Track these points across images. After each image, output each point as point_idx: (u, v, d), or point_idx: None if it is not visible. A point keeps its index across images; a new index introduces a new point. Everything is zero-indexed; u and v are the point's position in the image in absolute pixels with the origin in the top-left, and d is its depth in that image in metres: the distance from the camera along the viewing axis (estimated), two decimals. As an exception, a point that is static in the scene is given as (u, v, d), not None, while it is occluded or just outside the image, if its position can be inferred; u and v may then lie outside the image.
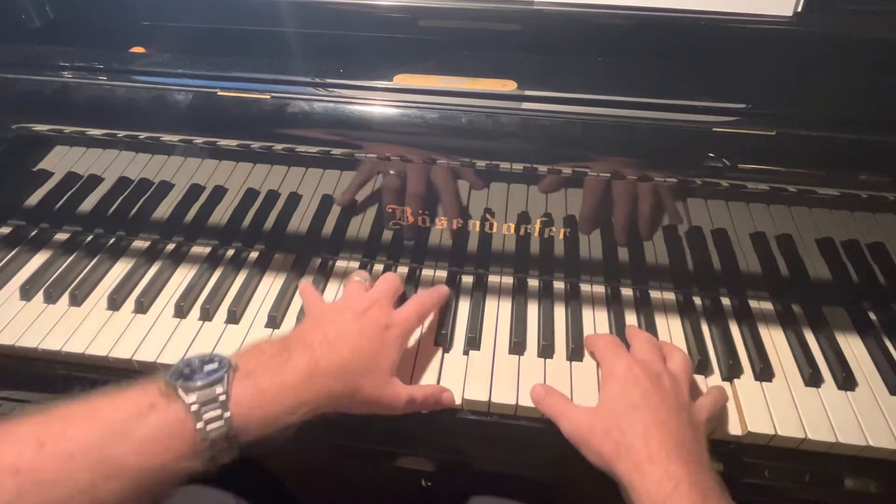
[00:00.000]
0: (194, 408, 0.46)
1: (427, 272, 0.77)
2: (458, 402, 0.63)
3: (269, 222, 0.76)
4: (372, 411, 0.58)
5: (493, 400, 0.62)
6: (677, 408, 0.55)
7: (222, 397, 0.48)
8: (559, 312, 0.72)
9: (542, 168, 0.64)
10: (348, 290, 0.66)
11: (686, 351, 0.68)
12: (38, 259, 0.78)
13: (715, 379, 0.65)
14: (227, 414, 0.47)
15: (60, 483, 0.42)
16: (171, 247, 0.80)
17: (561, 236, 0.70)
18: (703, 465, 0.51)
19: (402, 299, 0.70)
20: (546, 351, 0.67)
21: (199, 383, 0.48)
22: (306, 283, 0.72)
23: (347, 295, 0.66)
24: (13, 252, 0.79)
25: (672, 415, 0.54)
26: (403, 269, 0.77)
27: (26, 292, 0.73)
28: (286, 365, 0.52)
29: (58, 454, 0.43)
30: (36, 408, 0.46)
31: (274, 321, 0.70)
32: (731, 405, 0.63)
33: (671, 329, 0.71)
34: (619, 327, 0.70)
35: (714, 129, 0.61)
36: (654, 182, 0.63)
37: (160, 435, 0.45)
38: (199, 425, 0.46)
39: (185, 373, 0.49)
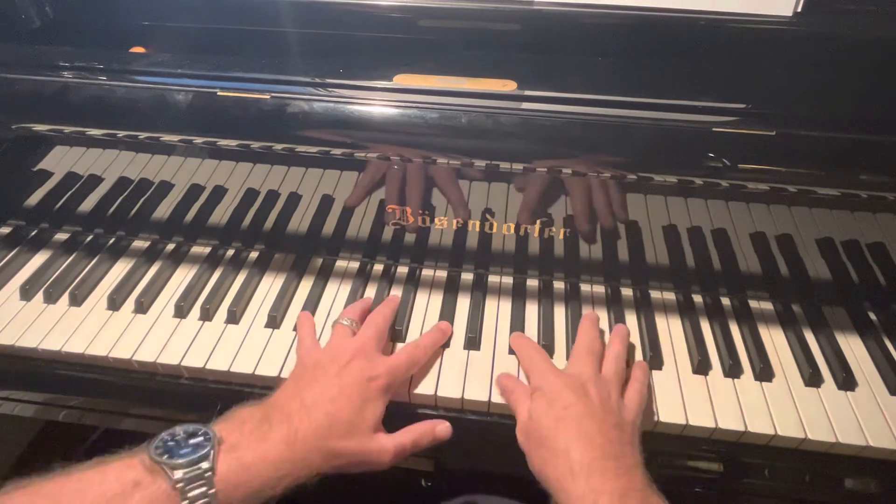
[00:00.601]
0: (180, 485, 0.46)
1: (427, 272, 0.77)
2: (458, 401, 0.63)
3: (269, 222, 0.76)
4: (360, 469, 0.57)
5: (493, 400, 0.62)
6: (602, 414, 0.55)
7: (208, 474, 0.47)
8: (559, 312, 0.72)
9: (542, 168, 0.64)
10: (333, 337, 0.64)
11: (686, 351, 0.68)
12: (38, 259, 0.78)
13: (715, 379, 0.65)
14: (213, 491, 0.47)
15: None
16: (171, 247, 0.80)
17: (561, 236, 0.70)
18: (626, 469, 0.51)
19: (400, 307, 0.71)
20: (546, 351, 0.67)
21: (185, 460, 0.47)
22: (306, 315, 0.69)
23: (331, 344, 0.63)
24: (13, 252, 0.79)
25: (596, 422, 0.54)
26: (403, 270, 0.77)
27: (26, 292, 0.73)
28: (267, 437, 0.52)
29: None
30: (18, 484, 0.46)
31: (274, 321, 0.70)
32: (730, 402, 0.63)
33: (671, 329, 0.71)
34: (619, 327, 0.70)
35: (714, 129, 0.61)
36: (653, 182, 0.63)
37: None
38: (185, 502, 0.46)
39: (170, 446, 0.48)
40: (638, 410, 0.58)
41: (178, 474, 0.46)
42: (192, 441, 0.49)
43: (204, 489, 0.47)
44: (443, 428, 0.61)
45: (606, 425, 0.54)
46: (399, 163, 0.66)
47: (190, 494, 0.46)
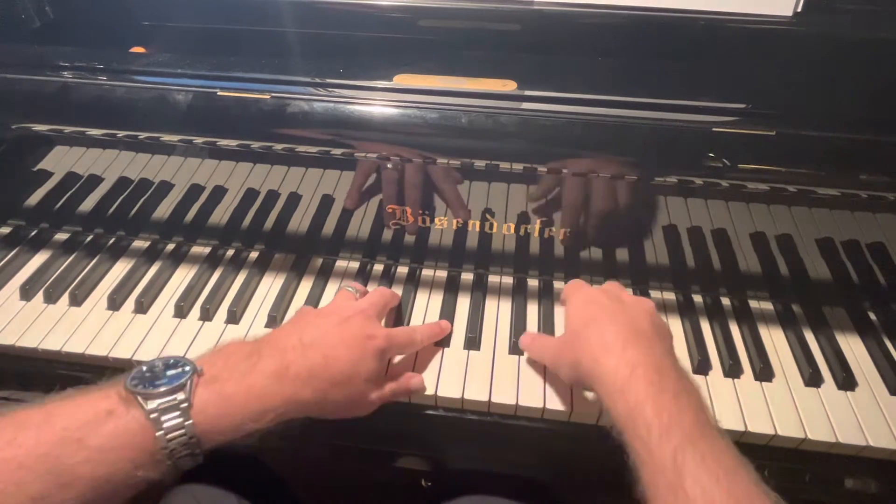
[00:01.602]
0: (154, 415, 0.45)
1: (427, 272, 0.77)
2: (458, 401, 0.63)
3: (269, 222, 0.76)
4: (340, 417, 0.57)
5: (494, 400, 0.62)
6: (636, 311, 0.56)
7: (184, 405, 0.46)
8: (559, 312, 0.72)
9: (542, 168, 0.64)
10: (337, 297, 0.65)
11: (687, 351, 0.68)
12: (38, 259, 0.78)
13: (715, 379, 0.65)
14: (189, 422, 0.46)
15: (9, 492, 0.41)
16: (171, 247, 0.80)
17: (561, 236, 0.70)
18: (660, 350, 0.52)
19: (398, 311, 0.71)
20: (546, 351, 0.67)
21: (160, 389, 0.46)
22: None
23: (335, 301, 0.64)
24: (13, 252, 0.79)
25: (630, 318, 0.55)
26: (403, 269, 0.77)
27: (26, 292, 0.73)
28: (254, 369, 0.51)
29: (7, 461, 0.41)
30: None
31: (274, 321, 0.70)
32: (730, 402, 0.63)
33: (671, 329, 0.71)
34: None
35: (714, 129, 0.61)
36: (655, 181, 0.63)
37: (117, 443, 0.44)
38: (160, 433, 0.45)
39: (147, 377, 0.47)
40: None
41: (153, 404, 0.45)
42: (169, 372, 0.48)
43: (180, 420, 0.45)
44: (417, 380, 0.63)
45: (639, 320, 0.55)
46: (395, 163, 0.66)
47: (165, 425, 0.45)
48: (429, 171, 0.67)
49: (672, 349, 0.55)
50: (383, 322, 0.67)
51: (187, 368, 0.49)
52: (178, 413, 0.46)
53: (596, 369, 0.51)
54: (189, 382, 0.48)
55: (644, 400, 0.47)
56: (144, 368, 0.48)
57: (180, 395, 0.46)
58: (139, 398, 0.46)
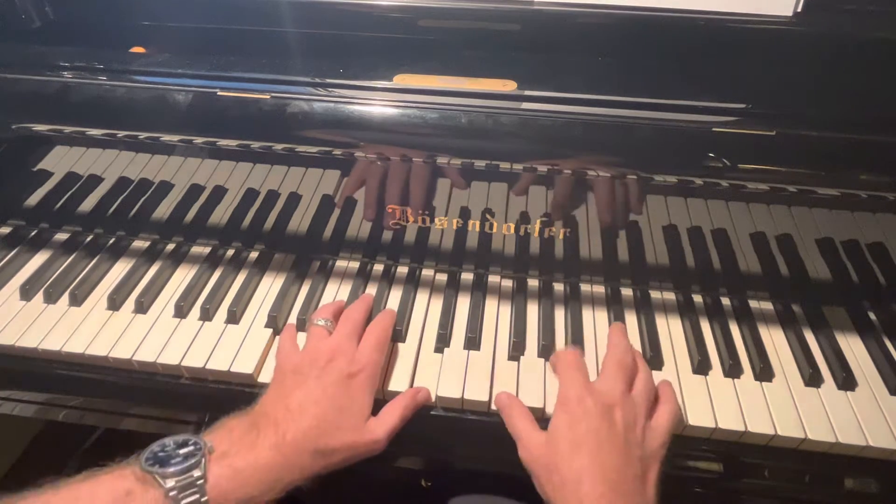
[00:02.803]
0: (172, 493, 0.46)
1: (427, 272, 0.77)
2: (458, 401, 0.63)
3: (269, 222, 0.76)
4: (355, 461, 0.57)
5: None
6: (623, 445, 0.53)
7: (200, 481, 0.48)
8: (559, 312, 0.73)
9: (542, 168, 0.64)
10: (309, 340, 0.63)
11: (686, 351, 0.68)
12: (38, 259, 0.78)
13: (715, 379, 0.65)
14: (205, 499, 0.47)
15: None
16: (171, 247, 0.80)
17: (561, 236, 0.70)
18: (637, 501, 0.50)
19: (400, 307, 0.71)
20: (546, 351, 0.67)
21: (176, 469, 0.48)
22: (289, 326, 0.68)
23: (308, 347, 0.62)
24: (13, 252, 0.79)
25: (615, 453, 0.52)
26: (403, 269, 0.77)
27: (26, 292, 0.73)
28: (257, 442, 0.52)
29: None
30: (6, 498, 0.46)
31: (274, 321, 0.70)
32: (730, 402, 0.63)
33: (671, 329, 0.71)
34: (619, 327, 0.70)
35: (714, 129, 0.61)
36: (653, 182, 0.63)
37: None
38: None
39: (161, 457, 0.49)
40: (666, 436, 0.56)
41: (171, 483, 0.47)
42: (181, 451, 0.50)
43: (196, 496, 0.47)
44: (423, 393, 0.62)
45: (626, 458, 0.52)
46: (376, 161, 0.65)
47: (183, 503, 0.46)
48: (406, 168, 0.67)
49: (651, 491, 0.52)
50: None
51: (199, 446, 0.50)
52: (194, 490, 0.47)
53: None
54: (203, 459, 0.49)
55: None
56: (157, 448, 0.50)
57: (196, 473, 0.48)
58: (157, 477, 0.47)
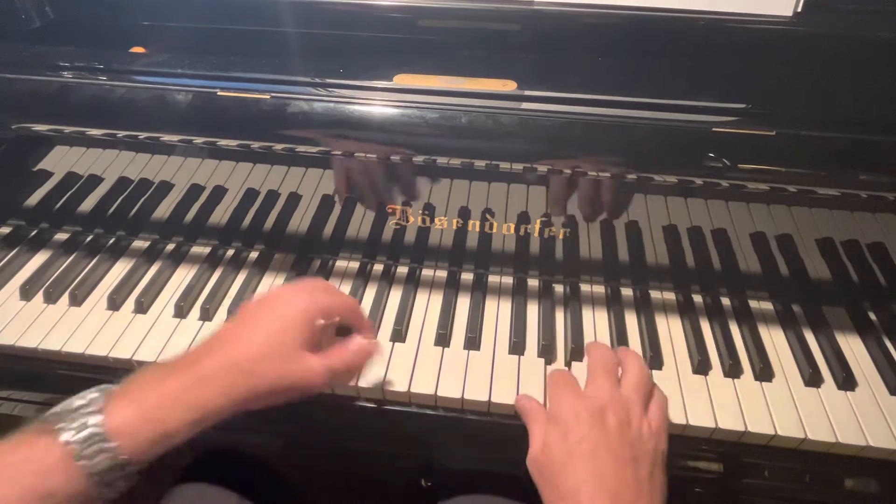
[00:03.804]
0: (71, 446, 0.44)
1: (427, 272, 0.77)
2: (458, 401, 0.63)
3: (269, 222, 0.76)
4: (290, 396, 0.53)
5: (494, 400, 0.62)
6: (619, 446, 0.52)
7: (99, 428, 0.45)
8: (559, 312, 0.73)
9: (542, 168, 0.64)
10: (270, 291, 0.60)
11: (686, 351, 0.68)
12: (38, 259, 0.78)
13: (715, 379, 0.65)
14: (111, 445, 0.45)
15: None
16: (171, 247, 0.80)
17: (561, 236, 0.70)
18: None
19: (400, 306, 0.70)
20: (546, 351, 0.67)
21: (74, 415, 0.46)
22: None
23: (265, 295, 0.58)
24: (13, 252, 0.79)
25: (611, 457, 0.51)
26: (403, 269, 0.77)
27: (26, 292, 0.73)
28: (171, 375, 0.49)
29: None
30: None
31: (274, 321, 0.70)
32: (730, 402, 0.63)
33: (671, 329, 0.71)
34: (619, 327, 0.70)
35: (714, 129, 0.61)
36: (653, 182, 0.63)
37: (41, 474, 0.44)
38: (82, 463, 0.44)
39: (60, 413, 0.47)
40: (661, 430, 0.55)
41: (67, 435, 0.45)
42: (80, 402, 0.47)
43: (100, 444, 0.45)
44: (375, 346, 0.59)
45: (623, 461, 0.51)
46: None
47: (85, 453, 0.44)
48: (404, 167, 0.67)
49: (656, 492, 0.51)
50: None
51: (100, 391, 0.48)
52: (95, 436, 0.45)
53: None
54: (99, 397, 0.47)
55: None
56: (61, 403, 0.48)
57: (93, 419, 0.46)
58: (49, 422, 0.46)
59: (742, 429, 0.60)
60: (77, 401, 0.47)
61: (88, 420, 0.45)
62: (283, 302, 0.56)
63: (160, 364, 0.52)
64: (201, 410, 0.49)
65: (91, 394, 0.47)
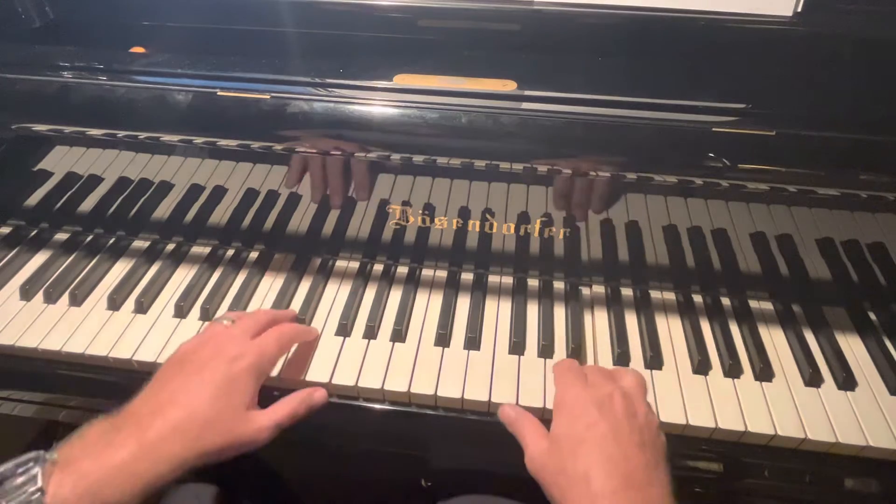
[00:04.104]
0: None
1: (427, 272, 0.77)
2: (458, 401, 0.63)
3: (269, 222, 0.76)
4: (236, 453, 0.53)
5: (493, 400, 0.62)
6: (628, 432, 0.52)
7: (36, 495, 0.43)
8: (559, 312, 0.72)
9: (542, 168, 0.64)
10: (205, 333, 0.59)
11: (686, 351, 0.68)
12: (38, 259, 0.78)
13: (715, 379, 0.65)
14: None
15: None
16: (171, 247, 0.80)
17: (561, 236, 0.70)
18: (652, 500, 0.49)
19: (400, 306, 0.70)
20: (546, 351, 0.67)
21: (17, 493, 0.44)
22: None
23: (201, 339, 0.59)
24: (13, 252, 0.79)
25: (620, 444, 0.51)
26: (403, 269, 0.77)
27: (26, 292, 0.73)
28: (113, 442, 0.48)
29: None
30: None
31: (274, 321, 0.70)
32: (730, 402, 0.63)
33: (671, 329, 0.71)
34: (619, 327, 0.70)
35: (714, 129, 0.61)
36: (653, 182, 0.63)
37: None
38: None
39: (4, 485, 0.45)
40: (660, 429, 0.55)
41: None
42: (20, 469, 0.45)
43: None
44: (319, 395, 0.60)
45: (632, 447, 0.51)
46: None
47: None
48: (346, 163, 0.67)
49: (664, 480, 0.50)
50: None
51: (39, 458, 0.46)
52: None
53: None
54: (39, 471, 0.45)
55: None
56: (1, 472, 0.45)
57: (31, 487, 0.44)
58: None
59: (742, 429, 0.60)
60: (19, 476, 0.45)
61: (28, 488, 0.44)
62: (226, 355, 0.55)
63: (104, 421, 0.50)
64: (149, 481, 0.48)
65: (32, 467, 0.45)
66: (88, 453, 0.47)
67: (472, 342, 0.68)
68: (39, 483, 0.44)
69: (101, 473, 0.46)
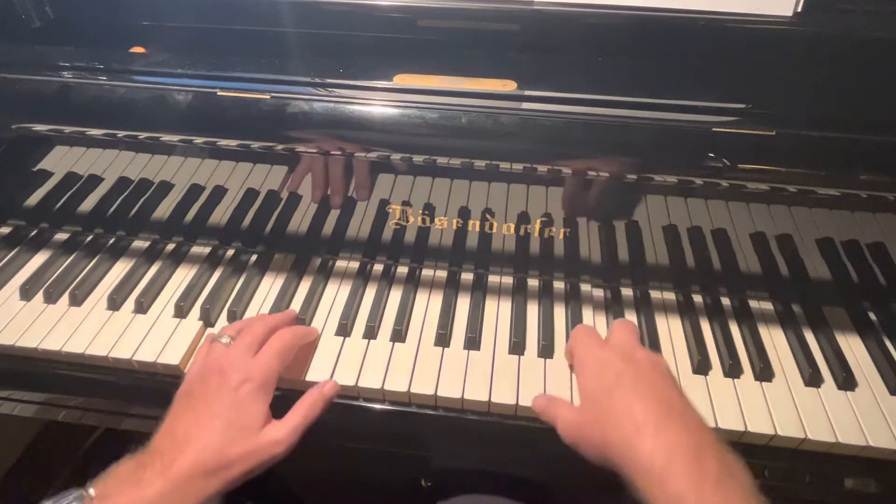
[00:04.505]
0: None
1: (427, 272, 0.77)
2: (458, 401, 0.63)
3: (269, 222, 0.76)
4: (263, 469, 0.55)
5: (493, 400, 0.62)
6: (656, 376, 0.54)
7: None
8: (559, 312, 0.72)
9: (542, 168, 0.64)
10: (204, 360, 0.61)
11: (686, 351, 0.68)
12: (38, 259, 0.78)
13: (715, 379, 0.65)
14: None
15: None
16: (171, 247, 0.80)
17: (561, 236, 0.70)
18: (695, 424, 0.50)
19: (400, 306, 0.70)
20: (546, 351, 0.67)
21: None
22: (206, 340, 0.65)
23: (201, 367, 0.60)
24: (13, 252, 0.79)
25: (651, 384, 0.53)
26: (403, 269, 0.77)
27: (26, 292, 0.73)
28: (142, 480, 0.50)
29: None
30: None
31: (274, 321, 0.70)
32: (730, 402, 0.63)
33: (671, 329, 0.71)
34: (619, 327, 0.70)
35: (714, 129, 0.61)
36: (653, 182, 0.63)
37: None
38: None
39: None
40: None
41: None
42: None
43: None
44: (329, 388, 0.61)
45: (663, 386, 0.53)
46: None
47: None
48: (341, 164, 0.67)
49: (697, 411, 0.52)
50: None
51: (78, 495, 0.49)
52: None
53: (627, 453, 0.48)
54: None
55: (685, 490, 0.45)
56: None
57: None
58: None
59: (742, 429, 0.60)
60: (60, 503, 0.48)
61: None
62: (230, 384, 0.56)
63: (131, 459, 0.53)
64: None
65: (69, 497, 0.48)
66: (122, 490, 0.50)
67: (472, 342, 0.68)
68: None
69: None
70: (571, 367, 0.65)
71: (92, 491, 0.49)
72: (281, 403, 0.59)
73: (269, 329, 0.63)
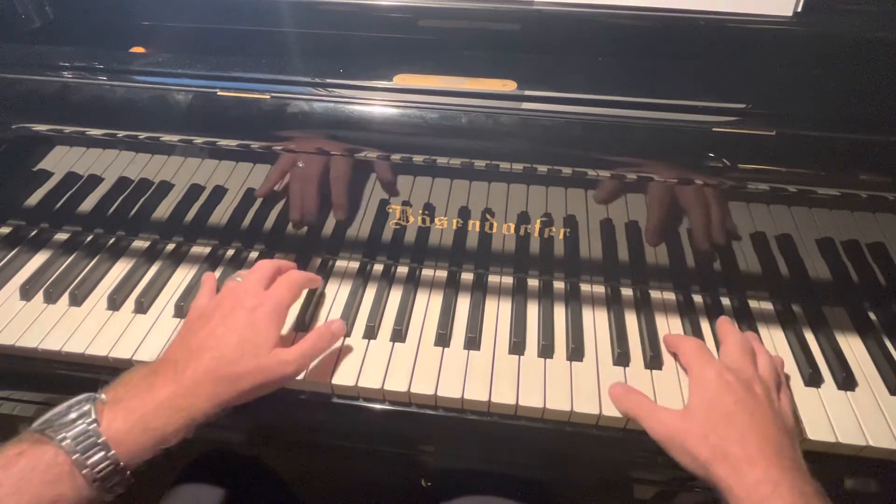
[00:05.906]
0: (66, 443, 0.47)
1: (427, 272, 0.77)
2: (458, 401, 0.63)
3: (269, 222, 0.76)
4: (272, 389, 0.58)
5: (493, 400, 0.62)
6: (772, 415, 0.55)
7: (92, 426, 0.48)
8: (559, 312, 0.72)
9: (542, 168, 0.64)
10: (223, 290, 0.63)
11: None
12: (38, 259, 0.78)
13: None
14: (102, 439, 0.48)
15: None
16: (171, 247, 0.80)
17: (561, 236, 0.70)
18: (802, 471, 0.51)
19: (400, 306, 0.70)
20: (546, 351, 0.67)
21: (65, 420, 0.48)
22: (209, 275, 0.67)
23: (220, 295, 0.62)
24: (13, 252, 0.79)
25: (767, 422, 0.54)
26: (403, 269, 0.77)
27: (26, 292, 0.73)
28: (154, 385, 0.52)
29: None
30: None
31: (274, 321, 0.70)
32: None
33: (671, 329, 0.71)
34: (619, 327, 0.70)
35: (714, 129, 0.61)
36: (655, 181, 0.63)
37: (34, 477, 0.45)
38: (75, 456, 0.46)
39: (53, 418, 0.49)
40: (793, 416, 0.58)
41: (61, 434, 0.47)
42: (73, 408, 0.50)
43: (92, 440, 0.47)
44: (337, 326, 0.63)
45: (776, 427, 0.54)
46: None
47: (88, 462, 0.47)
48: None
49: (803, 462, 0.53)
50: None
51: (91, 397, 0.51)
52: (88, 435, 0.48)
53: (732, 477, 0.50)
54: (92, 407, 0.49)
55: None
56: (49, 413, 0.50)
57: (88, 419, 0.48)
58: (47, 433, 0.47)
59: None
60: (72, 412, 0.49)
61: (88, 430, 0.48)
62: (246, 305, 0.59)
63: (143, 367, 0.55)
64: (191, 416, 0.52)
65: (84, 405, 0.50)
66: (133, 394, 0.52)
67: (472, 342, 0.68)
68: (93, 416, 0.49)
69: (147, 409, 0.51)
70: (674, 355, 0.66)
71: (104, 396, 0.51)
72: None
73: (277, 269, 0.65)
